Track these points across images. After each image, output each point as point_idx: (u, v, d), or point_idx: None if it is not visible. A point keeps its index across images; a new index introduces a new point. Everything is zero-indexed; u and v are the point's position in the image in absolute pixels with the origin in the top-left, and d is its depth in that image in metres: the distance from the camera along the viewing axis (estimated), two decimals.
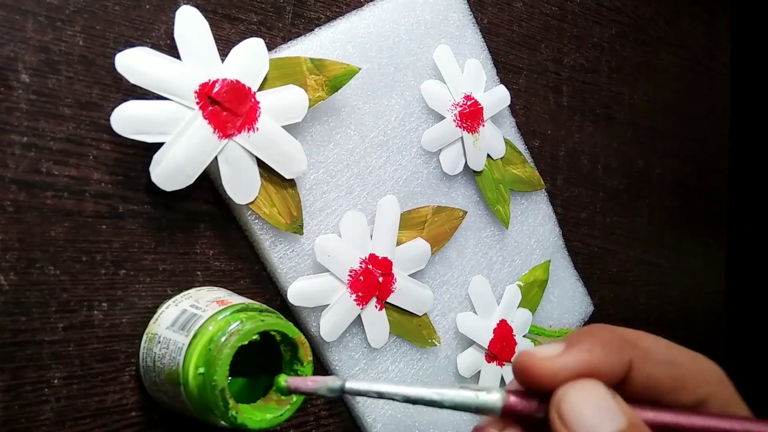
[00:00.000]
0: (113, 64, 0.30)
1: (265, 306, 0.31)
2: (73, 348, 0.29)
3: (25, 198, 0.28)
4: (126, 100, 0.28)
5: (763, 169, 0.71)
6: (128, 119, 0.28)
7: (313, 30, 0.37)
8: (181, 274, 0.32)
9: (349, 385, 0.22)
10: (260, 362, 0.30)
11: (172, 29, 0.32)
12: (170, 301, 0.32)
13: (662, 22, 0.61)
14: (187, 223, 0.33)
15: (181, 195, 0.32)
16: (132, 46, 0.29)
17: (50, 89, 0.29)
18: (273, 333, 0.28)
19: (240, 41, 0.33)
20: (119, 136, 0.30)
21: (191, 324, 0.29)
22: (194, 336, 0.28)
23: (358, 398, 0.37)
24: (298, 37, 0.37)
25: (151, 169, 0.29)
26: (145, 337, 0.31)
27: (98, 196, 0.30)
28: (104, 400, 0.30)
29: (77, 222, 0.29)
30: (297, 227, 0.34)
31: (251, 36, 0.33)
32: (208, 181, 0.33)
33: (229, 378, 0.27)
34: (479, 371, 0.42)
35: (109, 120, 0.30)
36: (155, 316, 0.31)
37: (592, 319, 0.52)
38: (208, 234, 0.33)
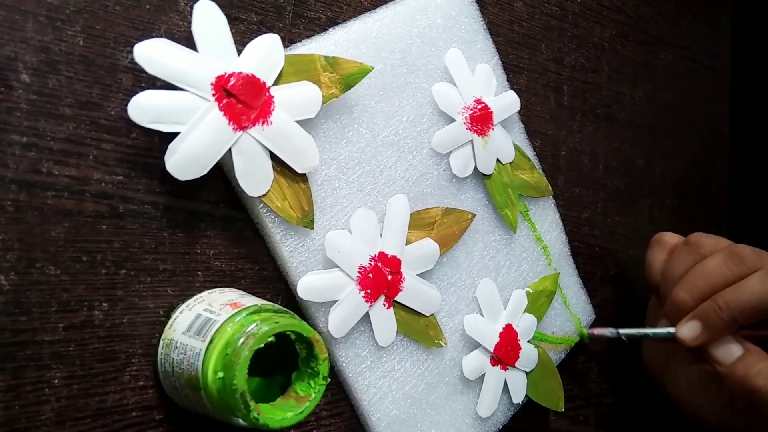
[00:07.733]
0: (114, 63, 0.30)
1: (278, 306, 0.31)
2: (73, 348, 0.29)
3: (26, 198, 0.28)
4: (127, 100, 0.28)
5: (763, 169, 0.71)
6: (145, 108, 0.29)
7: (313, 30, 0.37)
8: (181, 274, 0.32)
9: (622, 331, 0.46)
10: (274, 359, 0.30)
11: (173, 29, 0.32)
12: (183, 306, 0.31)
13: (663, 22, 0.61)
14: (188, 223, 0.33)
15: (181, 195, 0.32)
16: (133, 45, 0.29)
17: (50, 89, 0.29)
18: (288, 333, 0.28)
19: (240, 41, 0.33)
20: (120, 135, 0.30)
21: (207, 329, 0.29)
22: (211, 341, 0.28)
23: (362, 397, 0.37)
24: (299, 37, 0.37)
25: (166, 158, 0.30)
26: (161, 342, 0.31)
27: (98, 196, 0.30)
28: (105, 401, 0.30)
29: (77, 222, 0.29)
30: (308, 221, 0.34)
31: (252, 36, 0.33)
32: (210, 181, 0.33)
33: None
34: (484, 374, 0.42)
35: (109, 120, 0.30)
36: (170, 322, 0.31)
37: (594, 319, 0.52)
38: (209, 234, 0.33)
